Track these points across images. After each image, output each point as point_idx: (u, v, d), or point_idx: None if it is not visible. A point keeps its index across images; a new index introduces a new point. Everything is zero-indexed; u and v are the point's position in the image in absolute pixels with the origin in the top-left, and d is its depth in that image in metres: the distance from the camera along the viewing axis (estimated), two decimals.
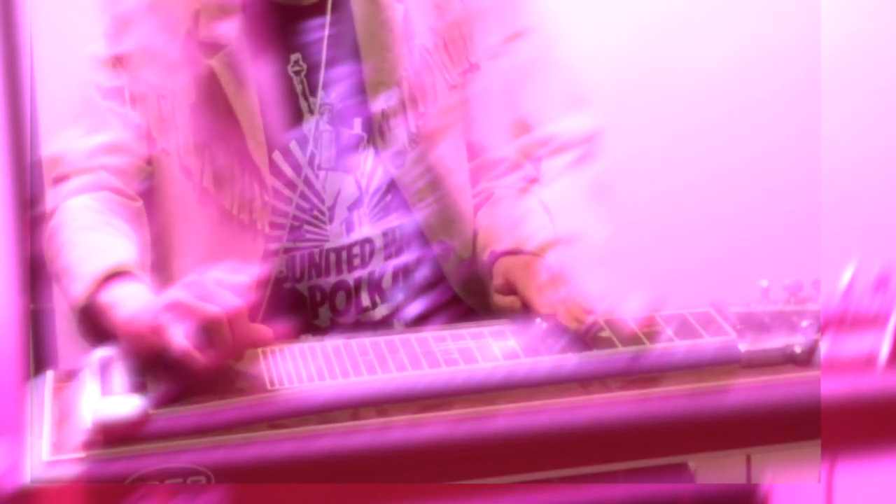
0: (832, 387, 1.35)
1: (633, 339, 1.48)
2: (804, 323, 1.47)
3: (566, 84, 1.82)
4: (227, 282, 1.44)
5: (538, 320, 1.52)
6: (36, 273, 2.11)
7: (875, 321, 1.36)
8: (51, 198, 1.75)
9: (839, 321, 1.36)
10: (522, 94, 1.79)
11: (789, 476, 1.46)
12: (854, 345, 1.36)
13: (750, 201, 2.67)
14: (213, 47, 1.73)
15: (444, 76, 1.78)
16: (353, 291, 1.78)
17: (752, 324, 1.49)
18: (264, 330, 1.46)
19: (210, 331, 1.41)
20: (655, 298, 1.52)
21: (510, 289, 1.65)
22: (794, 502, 1.54)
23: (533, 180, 1.78)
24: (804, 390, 1.42)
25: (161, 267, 1.78)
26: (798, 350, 1.46)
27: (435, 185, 1.78)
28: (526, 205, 1.75)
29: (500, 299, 1.67)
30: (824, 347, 1.37)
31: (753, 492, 1.49)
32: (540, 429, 1.39)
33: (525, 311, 1.58)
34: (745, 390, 1.43)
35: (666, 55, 2.60)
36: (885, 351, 1.35)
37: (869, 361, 1.35)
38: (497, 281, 1.69)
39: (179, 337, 1.41)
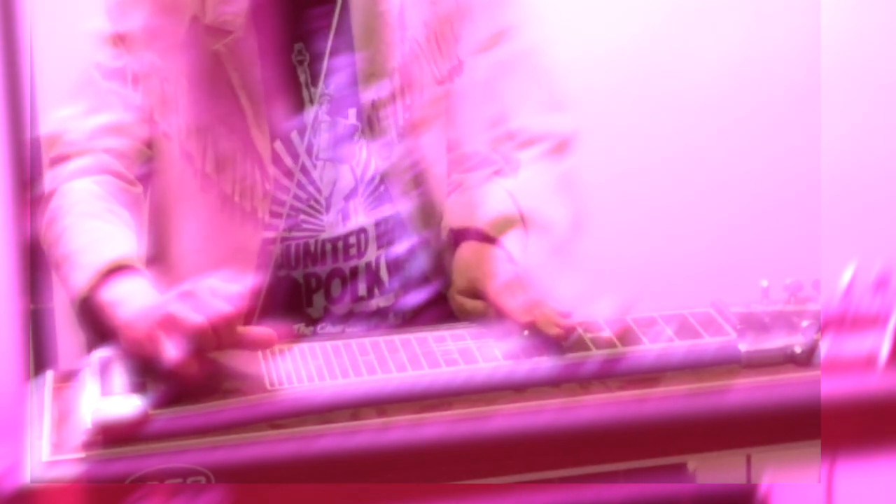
0: (832, 387, 1.35)
1: (609, 343, 1.48)
2: (804, 323, 1.47)
3: (546, 85, 1.82)
4: (222, 291, 1.44)
5: (518, 326, 1.52)
6: (36, 273, 2.10)
7: (875, 321, 1.36)
8: (49, 179, 1.73)
9: (839, 321, 1.36)
10: (501, 91, 1.80)
11: (789, 476, 1.46)
12: (854, 345, 1.36)
13: (750, 201, 2.67)
14: (220, 32, 1.72)
15: (431, 69, 1.78)
16: (348, 278, 1.78)
17: (752, 324, 1.49)
18: (258, 333, 1.46)
19: (197, 340, 1.41)
20: (626, 301, 1.52)
21: (474, 293, 1.65)
22: (794, 502, 1.54)
23: (501, 172, 1.79)
24: (804, 390, 1.42)
25: (159, 252, 1.78)
26: (798, 350, 1.47)
27: (419, 178, 1.79)
28: (489, 190, 1.76)
29: (466, 302, 1.67)
30: (824, 347, 1.37)
31: (753, 492, 1.49)
32: (540, 429, 1.39)
33: (492, 315, 1.58)
34: (745, 390, 1.43)
35: (667, 54, 2.60)
36: (885, 351, 1.35)
37: (869, 361, 1.35)
38: (460, 283, 1.70)
39: (171, 350, 1.41)
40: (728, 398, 1.42)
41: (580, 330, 1.49)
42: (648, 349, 1.48)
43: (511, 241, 1.68)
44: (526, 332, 1.50)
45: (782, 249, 2.61)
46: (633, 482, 1.40)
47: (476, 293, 1.65)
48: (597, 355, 1.46)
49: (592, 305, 1.51)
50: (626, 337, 1.49)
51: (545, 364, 1.46)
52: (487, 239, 1.69)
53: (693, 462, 1.42)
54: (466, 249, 1.72)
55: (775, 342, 1.48)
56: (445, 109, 1.80)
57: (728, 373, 1.46)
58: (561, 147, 1.81)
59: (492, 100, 1.80)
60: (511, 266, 1.63)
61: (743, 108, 2.64)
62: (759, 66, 2.62)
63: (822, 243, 2.49)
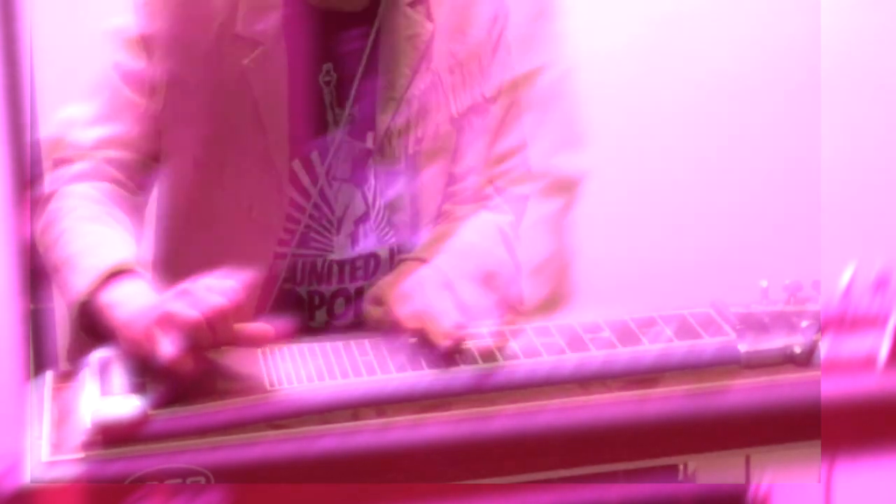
0: (832, 387, 1.35)
1: (490, 355, 1.47)
2: (804, 323, 1.47)
3: (566, 124, 1.80)
4: (217, 287, 1.44)
5: (407, 335, 1.51)
6: (36, 273, 2.10)
7: (875, 321, 1.36)
8: (50, 180, 1.72)
9: (839, 321, 1.36)
10: (519, 127, 1.78)
11: (789, 476, 1.46)
12: (854, 345, 1.36)
13: (750, 201, 2.67)
14: (249, 44, 1.69)
15: (450, 103, 1.76)
16: (353, 297, 1.78)
17: (751, 324, 1.49)
18: (255, 329, 1.46)
19: (192, 336, 1.41)
20: (511, 313, 1.52)
21: (379, 299, 1.65)
22: (794, 502, 1.54)
23: (495, 207, 1.78)
24: (804, 390, 1.42)
25: (167, 261, 1.77)
26: (798, 350, 1.46)
27: (424, 209, 1.78)
28: (471, 223, 1.76)
29: (371, 309, 1.66)
30: (824, 347, 1.37)
31: (753, 492, 1.49)
32: (540, 429, 1.39)
33: (386, 321, 1.58)
34: (744, 390, 1.43)
35: (667, 54, 2.60)
36: (884, 351, 1.35)
37: (869, 361, 1.35)
38: (371, 291, 1.69)
39: (167, 347, 1.41)
40: (728, 398, 1.42)
41: (466, 339, 1.48)
42: (648, 349, 1.48)
43: (446, 260, 1.67)
44: (413, 340, 1.50)
45: (782, 249, 2.61)
46: (633, 482, 1.40)
47: (379, 300, 1.65)
48: (482, 367, 1.46)
49: (483, 316, 1.51)
50: (504, 348, 1.48)
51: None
52: (420, 259, 1.69)
53: (693, 462, 1.42)
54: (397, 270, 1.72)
55: (775, 342, 1.48)
56: (455, 144, 1.78)
57: (728, 373, 1.46)
58: (561, 185, 1.80)
59: (506, 135, 1.79)
60: (418, 277, 1.62)
61: (743, 108, 2.64)
62: (759, 67, 2.62)
63: (822, 243, 2.49)
